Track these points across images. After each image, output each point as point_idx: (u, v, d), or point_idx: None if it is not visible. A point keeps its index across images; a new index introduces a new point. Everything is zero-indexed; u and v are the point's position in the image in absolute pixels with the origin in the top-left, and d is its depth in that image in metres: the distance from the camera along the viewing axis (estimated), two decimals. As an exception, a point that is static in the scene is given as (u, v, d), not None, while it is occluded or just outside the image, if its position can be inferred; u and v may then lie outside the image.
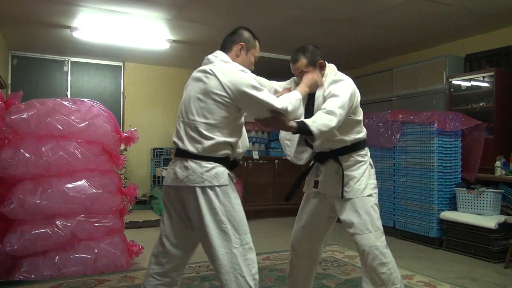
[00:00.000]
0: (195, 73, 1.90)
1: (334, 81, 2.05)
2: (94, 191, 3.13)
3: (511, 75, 4.34)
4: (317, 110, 1.97)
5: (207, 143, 1.76)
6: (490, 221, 3.62)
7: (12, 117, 2.96)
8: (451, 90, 4.71)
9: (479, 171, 4.12)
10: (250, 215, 5.84)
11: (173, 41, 5.27)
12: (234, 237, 1.76)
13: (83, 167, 3.17)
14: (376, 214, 2.05)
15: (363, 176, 2.07)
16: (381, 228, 2.04)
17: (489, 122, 4.23)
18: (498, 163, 4.00)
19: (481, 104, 4.47)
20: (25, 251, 2.93)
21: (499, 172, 3.97)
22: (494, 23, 4.46)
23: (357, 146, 2.11)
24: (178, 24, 4.60)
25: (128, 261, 3.33)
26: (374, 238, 2.00)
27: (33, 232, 2.93)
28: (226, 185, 1.79)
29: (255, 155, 5.68)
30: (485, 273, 3.30)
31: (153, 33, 4.96)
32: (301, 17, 4.30)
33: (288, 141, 2.18)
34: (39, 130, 3.04)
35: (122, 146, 3.63)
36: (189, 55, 6.04)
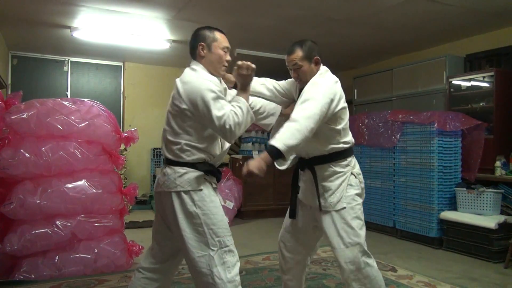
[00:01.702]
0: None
1: (313, 83, 1.96)
2: (94, 191, 3.13)
3: (511, 75, 4.34)
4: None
5: (174, 148, 1.80)
6: (490, 221, 3.62)
7: (12, 117, 2.96)
8: (451, 90, 4.71)
9: (479, 171, 4.12)
10: (250, 215, 5.87)
11: (173, 41, 5.27)
12: (212, 240, 1.76)
13: (83, 167, 3.17)
14: (355, 227, 1.94)
15: (338, 188, 1.97)
16: (361, 242, 1.93)
17: (489, 122, 4.23)
18: (498, 163, 4.00)
19: (481, 104, 4.47)
20: (25, 251, 2.93)
21: (499, 172, 3.97)
22: (494, 23, 4.46)
23: (337, 155, 1.99)
24: (178, 24, 4.60)
25: (128, 261, 3.33)
26: (350, 253, 1.92)
27: (33, 232, 2.93)
28: (200, 189, 1.78)
29: (255, 155, 5.68)
30: (485, 273, 3.30)
31: (153, 33, 4.96)
32: (301, 17, 4.30)
33: None
34: (39, 130, 3.04)
35: (122, 146, 3.62)
36: (189, 55, 6.03)
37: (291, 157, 1.98)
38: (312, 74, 2.04)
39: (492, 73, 4.27)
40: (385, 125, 4.52)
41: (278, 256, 2.29)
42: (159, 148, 6.74)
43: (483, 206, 3.79)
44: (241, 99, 1.83)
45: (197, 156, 1.81)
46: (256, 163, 1.72)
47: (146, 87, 6.81)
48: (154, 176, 6.73)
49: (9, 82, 5.86)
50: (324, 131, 1.94)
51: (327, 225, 1.98)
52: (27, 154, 2.94)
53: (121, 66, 6.70)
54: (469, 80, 4.60)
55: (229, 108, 1.74)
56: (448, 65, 4.78)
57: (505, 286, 3.01)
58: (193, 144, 1.80)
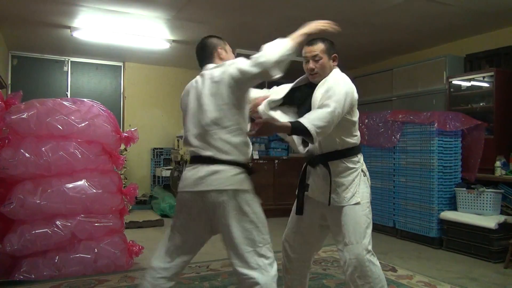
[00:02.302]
0: (195, 84, 1.94)
1: (335, 78, 2.01)
2: (94, 191, 3.13)
3: (511, 75, 4.33)
4: (315, 105, 1.95)
5: (233, 149, 1.79)
6: (490, 221, 3.62)
7: (12, 117, 2.96)
8: (451, 90, 4.71)
9: (479, 171, 4.12)
10: (250, 215, 5.85)
11: (173, 41, 5.27)
12: (259, 237, 1.80)
13: (83, 167, 3.17)
14: (363, 225, 1.97)
15: (352, 184, 2.00)
16: (367, 240, 1.96)
17: (489, 122, 4.23)
18: (498, 163, 4.00)
19: (481, 104, 4.47)
20: (25, 251, 2.93)
21: (499, 172, 3.97)
22: (494, 23, 4.46)
23: (349, 151, 2.03)
24: (178, 24, 4.59)
25: (128, 261, 3.33)
26: (357, 250, 1.94)
27: (33, 232, 2.93)
28: (250, 189, 1.83)
29: (255, 155, 5.68)
30: (485, 273, 3.30)
31: (153, 33, 4.96)
32: (301, 17, 4.26)
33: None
34: (39, 130, 3.04)
35: (122, 146, 3.62)
36: (189, 55, 6.02)
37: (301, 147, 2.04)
38: (329, 70, 2.07)
39: (492, 73, 4.27)
40: (385, 125, 4.52)
41: (282, 256, 2.28)
42: (159, 148, 6.75)
43: (483, 206, 3.79)
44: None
45: (246, 156, 1.85)
46: (278, 124, 1.79)
47: (146, 87, 6.81)
48: (154, 176, 6.73)
49: (9, 82, 5.86)
50: (342, 122, 1.96)
51: (336, 220, 2.01)
52: (27, 154, 2.94)
53: (121, 66, 6.70)
54: (469, 80, 4.60)
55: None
56: (448, 65, 4.78)
57: (505, 286, 3.01)
58: (245, 140, 1.83)
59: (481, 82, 4.51)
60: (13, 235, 2.91)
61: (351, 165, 2.03)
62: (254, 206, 1.82)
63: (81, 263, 3.09)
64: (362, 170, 2.07)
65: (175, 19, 4.43)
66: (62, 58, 6.29)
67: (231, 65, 1.80)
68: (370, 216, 2.04)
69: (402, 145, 4.40)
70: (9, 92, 5.40)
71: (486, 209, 3.77)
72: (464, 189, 3.93)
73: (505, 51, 4.48)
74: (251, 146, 1.90)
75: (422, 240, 4.20)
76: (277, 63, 1.75)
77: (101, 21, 4.51)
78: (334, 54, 2.08)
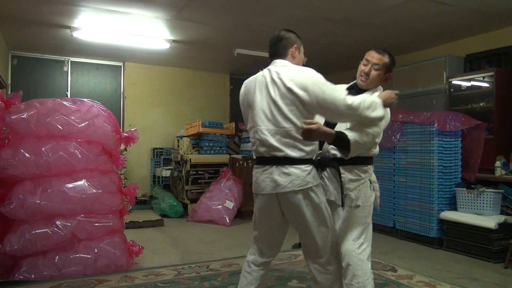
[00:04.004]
0: (262, 79, 1.95)
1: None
2: (94, 191, 3.13)
3: (511, 75, 4.33)
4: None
5: (306, 148, 1.87)
6: (490, 221, 3.62)
7: (12, 117, 2.96)
8: (451, 90, 4.71)
9: (479, 171, 4.12)
10: (250, 215, 5.81)
11: (173, 41, 5.27)
12: (327, 220, 1.95)
13: (83, 167, 3.17)
14: (362, 226, 2.04)
15: (355, 189, 2.05)
16: (365, 241, 2.03)
17: (489, 122, 4.23)
18: (498, 163, 4.00)
19: (481, 104, 4.47)
20: (25, 251, 2.93)
21: (499, 172, 3.97)
22: (494, 23, 4.46)
23: (361, 160, 2.07)
24: (178, 24, 4.59)
25: (128, 261, 3.33)
26: (352, 247, 2.00)
27: (33, 232, 2.93)
28: (320, 182, 1.95)
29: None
30: (485, 273, 3.30)
31: (153, 33, 4.96)
32: (301, 17, 4.30)
33: None
34: (39, 130, 3.04)
35: (122, 146, 3.62)
36: (189, 55, 6.04)
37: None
38: (378, 83, 2.12)
39: (492, 73, 4.27)
40: (385, 125, 4.52)
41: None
42: (159, 148, 6.75)
43: (483, 206, 3.79)
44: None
45: (315, 152, 1.94)
46: (322, 129, 1.82)
47: (146, 87, 6.81)
48: (154, 176, 6.73)
49: (9, 82, 5.86)
50: None
51: (337, 219, 2.06)
52: (27, 154, 2.94)
53: (121, 66, 6.69)
54: (469, 80, 4.59)
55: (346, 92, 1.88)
56: (448, 65, 4.78)
57: (505, 286, 3.01)
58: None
59: (481, 82, 4.51)
60: (13, 235, 2.91)
61: (359, 173, 2.07)
62: (321, 197, 1.95)
63: (81, 263, 3.09)
64: (369, 180, 2.11)
65: (175, 19, 4.43)
66: (62, 58, 6.29)
67: (315, 85, 1.83)
68: (369, 219, 2.09)
69: (402, 145, 4.40)
70: (9, 92, 5.40)
71: (486, 209, 3.77)
72: (464, 189, 3.93)
73: (505, 51, 4.48)
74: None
75: (422, 240, 4.19)
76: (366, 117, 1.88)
77: (101, 21, 4.51)
78: (390, 73, 2.13)
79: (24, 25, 4.70)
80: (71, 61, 6.35)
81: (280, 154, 1.86)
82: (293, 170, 1.85)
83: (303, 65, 2.04)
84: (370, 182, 2.12)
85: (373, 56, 2.09)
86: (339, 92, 1.84)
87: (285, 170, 1.85)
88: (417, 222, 4.23)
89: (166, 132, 6.89)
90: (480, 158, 4.10)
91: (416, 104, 5.03)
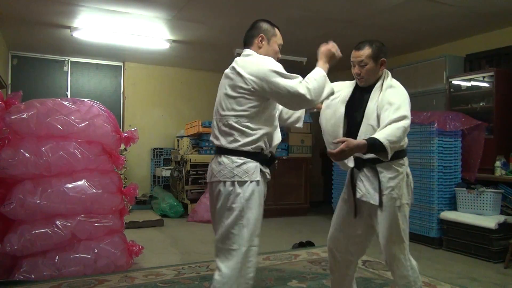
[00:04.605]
0: (226, 72, 1.94)
1: (392, 86, 2.02)
2: (94, 191, 3.13)
3: (511, 75, 4.33)
4: (369, 115, 1.98)
5: (238, 135, 1.81)
6: (490, 221, 3.62)
7: (12, 117, 2.96)
8: (451, 90, 4.71)
9: (479, 171, 4.12)
10: (250, 215, 5.84)
11: (173, 41, 5.27)
12: (246, 236, 1.79)
13: (83, 167, 3.17)
14: (403, 225, 2.02)
15: (397, 186, 2.02)
16: (406, 240, 2.03)
17: (489, 122, 4.23)
18: (498, 163, 4.00)
19: (481, 104, 4.47)
20: (25, 251, 2.93)
21: (499, 172, 3.97)
22: (494, 23, 4.46)
23: (396, 154, 2.01)
24: (178, 24, 4.60)
25: (128, 261, 3.33)
26: (398, 249, 2.00)
27: (33, 232, 2.93)
28: (257, 180, 1.83)
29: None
30: (485, 273, 3.30)
31: (153, 33, 4.96)
32: (301, 18, 4.30)
33: (333, 145, 2.14)
34: (39, 130, 3.04)
35: (122, 146, 3.62)
36: (189, 55, 6.05)
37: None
38: (376, 75, 2.09)
39: (492, 73, 4.27)
40: (385, 125, 4.52)
41: (328, 256, 2.30)
42: (159, 148, 6.75)
43: (483, 206, 3.79)
44: (317, 69, 1.90)
45: (257, 144, 1.85)
46: (352, 145, 1.75)
47: (146, 87, 6.81)
48: (154, 176, 6.73)
49: (9, 82, 5.86)
50: None
51: (381, 220, 2.02)
52: (27, 154, 2.94)
53: (121, 66, 6.70)
54: (469, 80, 4.59)
55: (299, 79, 1.81)
56: (448, 65, 4.78)
57: (505, 286, 3.01)
58: (257, 130, 1.83)
59: (481, 82, 4.51)
60: (13, 235, 2.91)
61: (397, 168, 2.04)
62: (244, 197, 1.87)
63: (81, 263, 3.09)
64: (407, 173, 2.09)
65: (175, 19, 4.43)
66: (62, 58, 6.29)
67: (267, 73, 1.78)
68: (408, 217, 2.08)
69: (402, 145, 4.39)
70: (9, 92, 5.40)
71: (486, 209, 3.77)
72: (464, 189, 3.93)
73: (505, 51, 4.48)
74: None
75: (422, 240, 4.19)
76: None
77: (101, 21, 4.51)
78: (382, 59, 2.06)
79: (24, 25, 4.70)
80: (71, 61, 6.36)
81: (217, 143, 1.87)
82: (224, 160, 1.83)
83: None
84: (407, 176, 2.09)
85: (354, 56, 2.09)
86: (291, 80, 1.78)
87: (219, 159, 1.85)
88: (417, 222, 4.23)
89: (166, 132, 6.90)
90: (480, 158, 4.10)
91: (416, 104, 5.02)
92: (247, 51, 1.97)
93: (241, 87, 1.81)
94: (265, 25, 2.00)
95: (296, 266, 3.41)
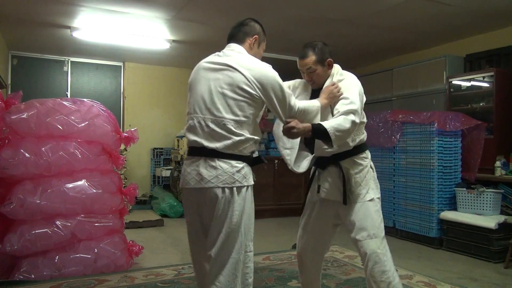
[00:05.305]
0: (208, 65, 1.81)
1: (340, 80, 2.03)
2: (94, 191, 3.13)
3: (511, 75, 4.33)
4: (322, 113, 1.96)
5: (237, 139, 1.70)
6: (490, 221, 3.62)
7: (12, 117, 2.96)
8: (451, 90, 4.71)
9: (479, 171, 4.12)
10: (250, 215, 5.85)
11: (173, 41, 5.27)
12: (244, 242, 1.73)
13: (83, 167, 3.17)
14: (378, 219, 2.02)
15: (364, 181, 2.03)
16: (383, 234, 2.02)
17: (489, 122, 4.23)
18: (498, 163, 4.00)
19: (481, 104, 4.47)
20: (25, 251, 2.93)
21: (499, 172, 3.97)
22: (494, 23, 4.46)
23: (358, 149, 2.06)
24: (178, 24, 4.60)
25: (128, 261, 3.33)
26: (375, 244, 1.97)
27: (33, 232, 2.93)
28: (252, 184, 1.79)
29: (255, 155, 5.67)
30: (485, 273, 3.30)
31: (153, 33, 4.96)
32: (301, 17, 4.30)
33: (288, 149, 2.14)
34: (39, 130, 3.04)
35: (122, 146, 3.62)
36: (189, 55, 6.04)
37: (308, 158, 2.09)
38: (326, 76, 2.08)
39: (492, 73, 4.28)
40: (385, 125, 4.52)
41: (297, 257, 2.30)
42: (159, 148, 6.75)
43: (483, 206, 3.79)
44: (315, 100, 1.97)
45: (252, 149, 1.81)
46: (300, 126, 1.80)
47: (146, 87, 6.81)
48: (154, 176, 6.73)
49: (9, 82, 5.86)
50: None
51: (352, 217, 2.02)
52: (27, 154, 2.94)
53: (121, 66, 6.70)
54: (469, 80, 4.60)
55: (293, 96, 1.88)
56: (448, 65, 4.79)
57: (505, 286, 3.01)
58: (253, 136, 1.77)
59: (481, 82, 4.51)
60: (13, 235, 2.91)
61: (361, 162, 2.06)
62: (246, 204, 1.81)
63: (81, 263, 3.09)
64: (370, 166, 2.10)
65: (175, 19, 4.43)
66: (62, 58, 6.29)
67: (270, 83, 1.75)
68: (381, 211, 2.08)
69: (402, 145, 4.40)
70: (9, 92, 5.40)
71: (486, 209, 3.77)
72: (464, 189, 3.93)
73: (505, 51, 4.48)
74: None
75: (422, 240, 4.20)
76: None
77: (101, 21, 4.51)
78: (328, 59, 2.05)
79: (24, 25, 4.70)
80: (71, 61, 6.36)
81: (208, 145, 1.69)
82: (221, 164, 1.69)
83: None
84: (372, 169, 2.10)
85: (301, 65, 2.08)
86: (288, 98, 1.80)
87: (213, 164, 1.69)
88: (417, 222, 4.23)
89: (166, 132, 6.90)
90: (480, 158, 4.10)
91: (416, 104, 5.03)
92: (237, 47, 1.84)
93: (244, 90, 1.69)
94: (259, 28, 1.95)
95: (296, 266, 3.39)
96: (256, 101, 1.74)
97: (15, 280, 2.92)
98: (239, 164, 1.72)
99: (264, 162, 1.91)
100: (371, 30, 4.72)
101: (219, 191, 1.69)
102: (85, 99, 3.40)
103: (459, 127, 4.09)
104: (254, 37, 1.91)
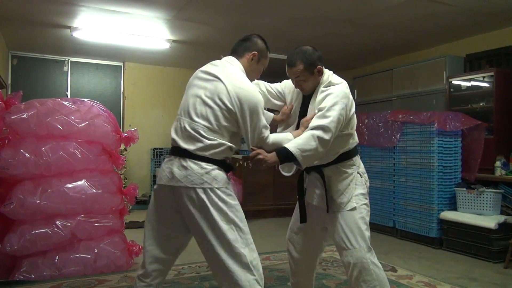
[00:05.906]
0: (202, 74, 1.87)
1: (327, 94, 1.92)
2: (94, 191, 3.13)
3: (511, 75, 4.33)
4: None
5: (208, 143, 1.73)
6: (490, 221, 3.62)
7: (12, 117, 2.96)
8: (451, 90, 4.71)
9: (479, 171, 4.12)
10: (250, 215, 5.86)
11: (173, 41, 5.27)
12: (240, 237, 1.72)
13: (83, 167, 3.17)
14: (361, 228, 1.95)
15: (347, 189, 1.97)
16: (367, 243, 1.95)
17: (489, 122, 4.23)
18: (498, 163, 4.00)
19: (481, 104, 4.47)
20: (25, 251, 2.93)
21: (499, 172, 3.97)
22: (494, 23, 4.47)
23: (344, 156, 2.00)
24: (178, 24, 4.60)
25: (128, 261, 3.33)
26: (359, 254, 1.92)
27: (33, 232, 2.93)
28: (225, 187, 1.77)
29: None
30: (485, 273, 3.30)
31: (153, 33, 4.97)
32: (301, 17, 4.30)
33: None
34: (39, 130, 3.04)
35: (122, 146, 3.62)
36: (189, 55, 6.05)
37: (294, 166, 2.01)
38: (316, 82, 2.01)
39: (492, 73, 4.28)
40: (385, 125, 4.52)
41: (287, 258, 2.27)
42: (159, 148, 6.75)
43: (483, 206, 3.79)
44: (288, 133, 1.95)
45: (224, 154, 1.79)
46: (268, 155, 1.77)
47: (146, 87, 6.82)
48: (154, 176, 6.73)
49: (9, 82, 5.87)
50: (339, 139, 1.94)
51: (335, 226, 1.98)
52: (27, 154, 2.94)
53: (121, 66, 6.70)
54: (469, 80, 4.60)
55: (267, 128, 1.84)
56: (448, 65, 4.79)
57: (505, 286, 3.01)
58: (225, 143, 1.76)
59: (481, 82, 4.51)
60: (13, 235, 2.91)
61: (346, 169, 2.00)
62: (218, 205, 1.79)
63: (81, 263, 3.09)
64: (358, 173, 2.04)
65: (175, 19, 4.43)
66: (62, 58, 6.29)
67: (250, 107, 1.74)
68: (368, 217, 2.02)
69: (402, 145, 4.40)
70: (9, 92, 5.40)
71: (486, 209, 3.77)
72: (464, 189, 3.93)
73: (505, 51, 4.48)
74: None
75: (422, 240, 4.20)
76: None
77: (101, 21, 4.51)
78: (318, 67, 1.97)
79: (24, 25, 4.70)
80: (71, 61, 6.36)
81: (183, 145, 1.75)
82: (191, 165, 1.72)
83: (258, 79, 2.03)
84: (360, 175, 2.04)
85: (289, 73, 2.03)
86: (262, 129, 1.78)
87: (184, 164, 1.73)
88: (417, 222, 4.23)
89: (166, 132, 6.89)
90: (480, 158, 4.10)
91: (416, 104, 5.03)
92: (233, 61, 1.90)
93: (223, 101, 1.73)
94: (262, 44, 1.96)
95: (296, 266, 3.41)
96: (231, 115, 1.75)
97: (15, 280, 2.93)
98: (209, 166, 1.73)
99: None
100: (371, 30, 4.72)
101: (191, 192, 1.71)
102: (85, 99, 3.39)
103: (459, 127, 4.09)
104: (253, 52, 1.93)
